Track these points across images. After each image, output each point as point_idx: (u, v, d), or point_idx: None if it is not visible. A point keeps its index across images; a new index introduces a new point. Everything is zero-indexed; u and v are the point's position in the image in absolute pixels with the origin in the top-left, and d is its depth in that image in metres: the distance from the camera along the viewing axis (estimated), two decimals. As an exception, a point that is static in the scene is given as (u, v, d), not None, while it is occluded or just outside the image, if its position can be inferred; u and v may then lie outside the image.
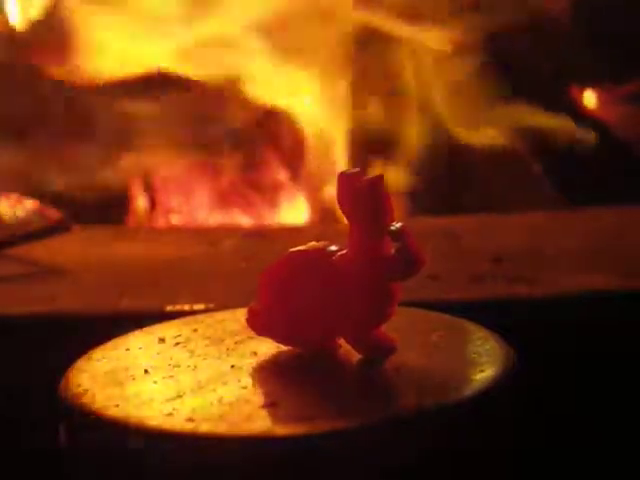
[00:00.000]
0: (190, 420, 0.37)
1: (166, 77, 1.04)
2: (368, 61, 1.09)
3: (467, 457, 0.39)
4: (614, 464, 0.67)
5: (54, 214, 0.83)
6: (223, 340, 0.45)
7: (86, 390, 0.41)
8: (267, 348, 0.44)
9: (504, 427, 0.41)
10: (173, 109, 1.06)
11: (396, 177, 1.04)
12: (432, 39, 1.06)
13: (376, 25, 1.06)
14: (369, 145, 1.07)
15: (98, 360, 0.44)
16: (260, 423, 0.37)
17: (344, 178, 0.42)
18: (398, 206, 0.99)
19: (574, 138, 1.07)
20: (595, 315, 0.67)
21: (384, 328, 0.43)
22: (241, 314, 0.45)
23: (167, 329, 0.48)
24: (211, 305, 0.64)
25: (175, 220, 1.06)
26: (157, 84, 1.04)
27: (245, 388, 0.40)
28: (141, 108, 1.05)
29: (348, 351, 0.43)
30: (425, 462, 0.38)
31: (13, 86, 1.07)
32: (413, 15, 1.06)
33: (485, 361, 0.41)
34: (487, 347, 0.43)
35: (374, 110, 1.08)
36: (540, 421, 0.59)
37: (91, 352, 0.45)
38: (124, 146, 1.05)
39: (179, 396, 0.40)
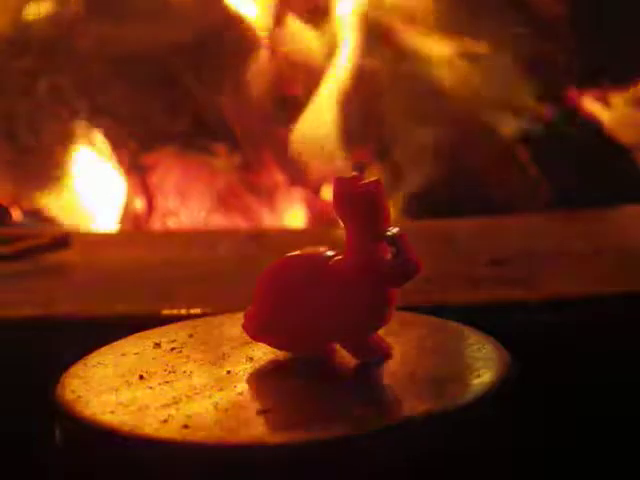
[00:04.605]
0: (185, 427, 0.37)
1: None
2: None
3: (464, 462, 0.39)
4: (614, 467, 0.67)
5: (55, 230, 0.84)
6: (219, 345, 0.45)
7: (80, 396, 0.41)
8: (263, 353, 0.44)
9: (502, 432, 0.41)
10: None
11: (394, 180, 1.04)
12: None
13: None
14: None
15: (93, 365, 0.44)
16: (256, 429, 0.37)
17: (341, 183, 0.42)
18: (395, 209, 0.99)
19: (573, 139, 1.07)
20: (593, 317, 0.67)
21: (380, 333, 0.43)
22: (238, 319, 0.45)
23: (163, 334, 0.47)
24: (208, 309, 0.64)
25: (172, 223, 1.06)
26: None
27: (241, 394, 0.40)
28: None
29: (344, 356, 0.43)
30: (422, 468, 0.38)
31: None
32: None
33: (482, 366, 0.41)
34: (484, 351, 0.43)
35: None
36: (538, 425, 0.58)
37: (86, 357, 0.45)
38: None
39: (175, 402, 0.39)
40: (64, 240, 0.81)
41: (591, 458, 0.67)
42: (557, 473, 0.66)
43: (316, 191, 1.07)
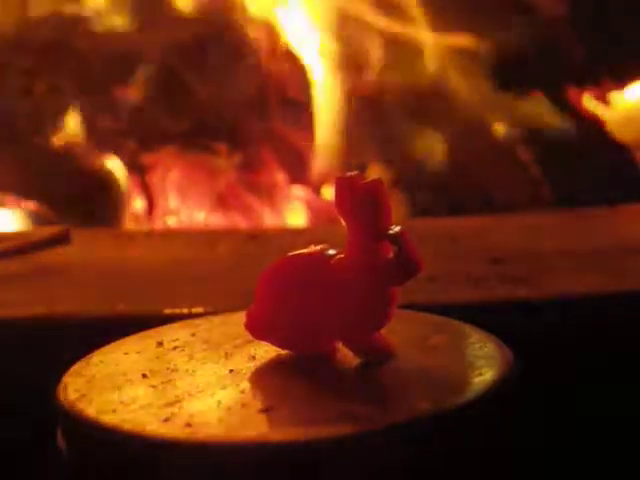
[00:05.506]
0: (188, 425, 0.37)
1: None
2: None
3: (465, 461, 0.39)
4: (614, 467, 0.67)
5: (56, 226, 0.84)
6: (221, 344, 0.45)
7: (83, 395, 0.41)
8: (265, 352, 0.44)
9: (503, 431, 0.41)
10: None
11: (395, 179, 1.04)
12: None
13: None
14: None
15: (96, 364, 0.44)
16: (258, 428, 0.37)
17: (342, 182, 0.42)
18: (396, 208, 0.99)
19: (573, 138, 1.07)
20: (594, 317, 0.67)
21: (382, 332, 0.43)
22: (240, 318, 0.45)
23: (165, 333, 0.47)
24: (210, 308, 0.64)
25: (172, 223, 1.06)
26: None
27: (243, 392, 0.40)
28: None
29: (346, 355, 0.43)
30: (422, 467, 0.38)
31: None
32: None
33: (484, 364, 0.41)
34: (486, 350, 0.43)
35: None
36: (539, 424, 0.58)
37: (89, 356, 0.45)
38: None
39: (177, 401, 0.39)
40: (64, 236, 0.81)
41: (591, 458, 0.67)
42: (557, 473, 0.66)
43: (317, 190, 1.07)
